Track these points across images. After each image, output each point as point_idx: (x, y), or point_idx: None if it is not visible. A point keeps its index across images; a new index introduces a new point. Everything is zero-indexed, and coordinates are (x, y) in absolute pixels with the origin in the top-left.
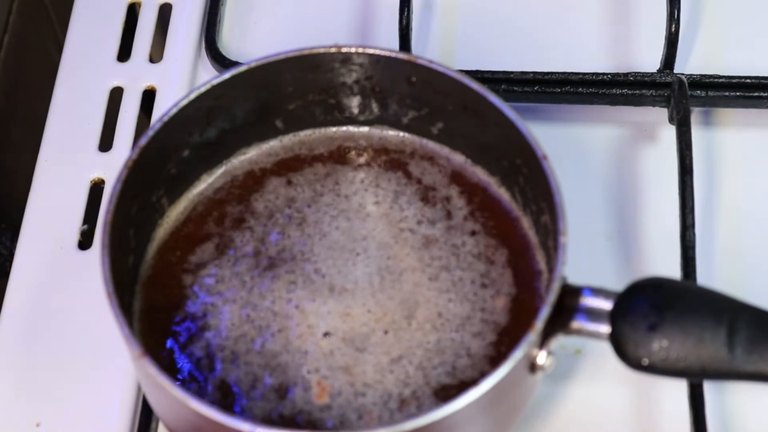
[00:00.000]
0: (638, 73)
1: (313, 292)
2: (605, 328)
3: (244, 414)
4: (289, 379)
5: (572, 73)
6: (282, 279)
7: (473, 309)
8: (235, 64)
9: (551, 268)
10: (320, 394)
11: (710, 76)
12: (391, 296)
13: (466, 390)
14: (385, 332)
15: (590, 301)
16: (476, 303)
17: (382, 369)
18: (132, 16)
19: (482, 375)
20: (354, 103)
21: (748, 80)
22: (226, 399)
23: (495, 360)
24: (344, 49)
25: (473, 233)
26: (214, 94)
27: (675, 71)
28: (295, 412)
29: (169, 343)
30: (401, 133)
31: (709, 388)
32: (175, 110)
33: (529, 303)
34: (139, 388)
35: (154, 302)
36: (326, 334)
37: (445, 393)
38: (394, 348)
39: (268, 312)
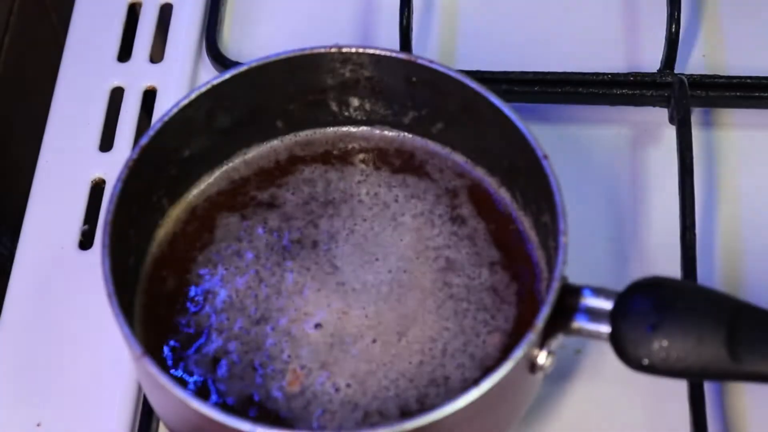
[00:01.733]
0: (639, 73)
1: (322, 282)
2: (605, 328)
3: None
4: (269, 359)
5: (572, 73)
6: (285, 275)
7: (466, 342)
8: (236, 64)
9: (551, 268)
10: (292, 382)
11: (710, 76)
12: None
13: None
14: (374, 341)
15: (590, 301)
16: (470, 336)
17: (358, 375)
18: (132, 16)
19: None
20: (354, 103)
21: (748, 80)
22: (213, 373)
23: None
24: (344, 50)
25: (493, 265)
26: (214, 94)
27: (675, 71)
28: (262, 393)
29: (169, 342)
30: (402, 133)
31: (709, 388)
32: (175, 110)
33: (529, 306)
34: (139, 388)
35: (155, 302)
36: (317, 326)
37: (410, 416)
38: (376, 358)
39: (268, 304)
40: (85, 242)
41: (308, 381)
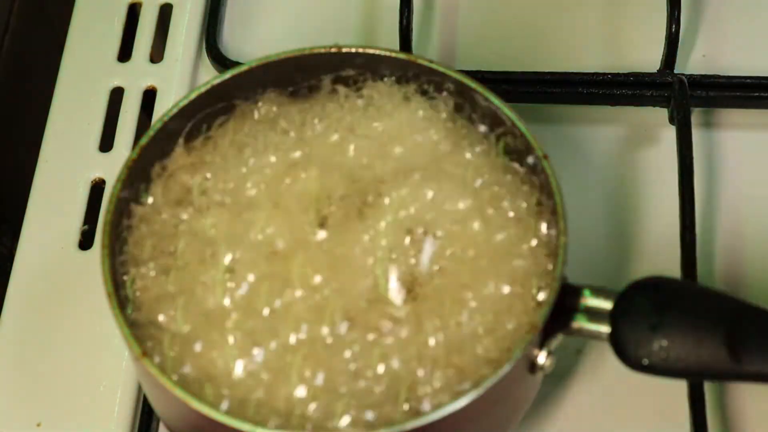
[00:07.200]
0: (638, 73)
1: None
2: (605, 328)
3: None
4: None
5: (572, 73)
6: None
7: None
8: (236, 64)
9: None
10: None
11: (710, 76)
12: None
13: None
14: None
15: (590, 301)
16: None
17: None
18: (132, 16)
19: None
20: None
21: (748, 80)
22: None
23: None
24: (344, 49)
25: None
26: (214, 94)
27: (675, 71)
28: None
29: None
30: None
31: (709, 388)
32: (175, 110)
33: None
34: (139, 388)
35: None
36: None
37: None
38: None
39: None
40: (85, 242)
41: None
